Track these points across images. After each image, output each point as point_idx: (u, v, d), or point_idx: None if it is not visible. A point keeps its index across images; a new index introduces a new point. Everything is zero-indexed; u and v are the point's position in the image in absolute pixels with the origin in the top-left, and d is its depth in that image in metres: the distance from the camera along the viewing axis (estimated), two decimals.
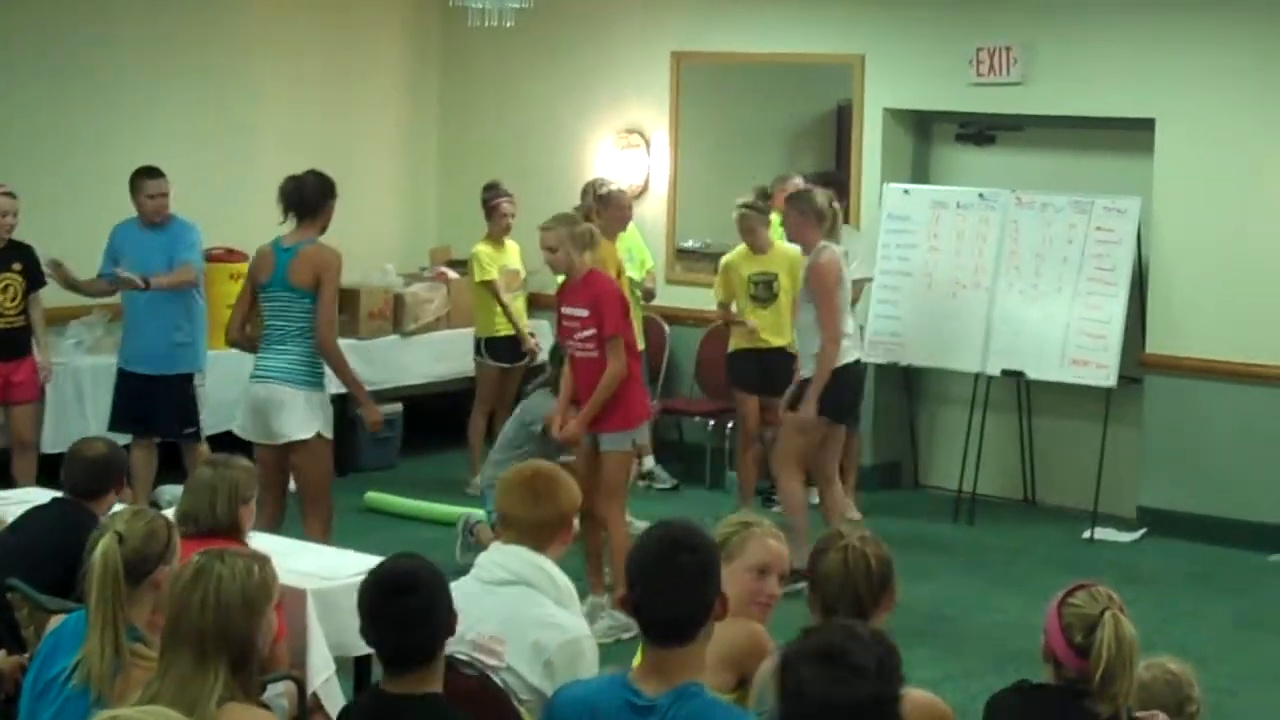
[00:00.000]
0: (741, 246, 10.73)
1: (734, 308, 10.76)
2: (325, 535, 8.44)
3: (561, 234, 8.78)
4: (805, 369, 9.58)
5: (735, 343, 10.85)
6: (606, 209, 10.93)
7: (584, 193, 11.42)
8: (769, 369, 10.58)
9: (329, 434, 8.68)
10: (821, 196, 9.57)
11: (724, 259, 10.85)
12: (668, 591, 4.02)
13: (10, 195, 9.91)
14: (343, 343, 8.96)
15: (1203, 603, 9.63)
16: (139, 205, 9.98)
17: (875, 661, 3.35)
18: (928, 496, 11.84)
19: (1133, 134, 10.97)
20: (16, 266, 9.85)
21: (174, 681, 4.08)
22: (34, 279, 9.91)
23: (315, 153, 11.50)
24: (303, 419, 8.56)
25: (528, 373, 11.38)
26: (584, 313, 8.74)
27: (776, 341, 10.64)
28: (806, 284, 9.47)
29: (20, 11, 11.18)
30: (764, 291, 10.66)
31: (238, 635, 4.13)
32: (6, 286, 9.87)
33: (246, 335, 8.78)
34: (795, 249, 10.03)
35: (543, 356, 11.10)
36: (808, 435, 9.53)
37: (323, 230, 8.65)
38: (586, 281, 8.76)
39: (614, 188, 11.27)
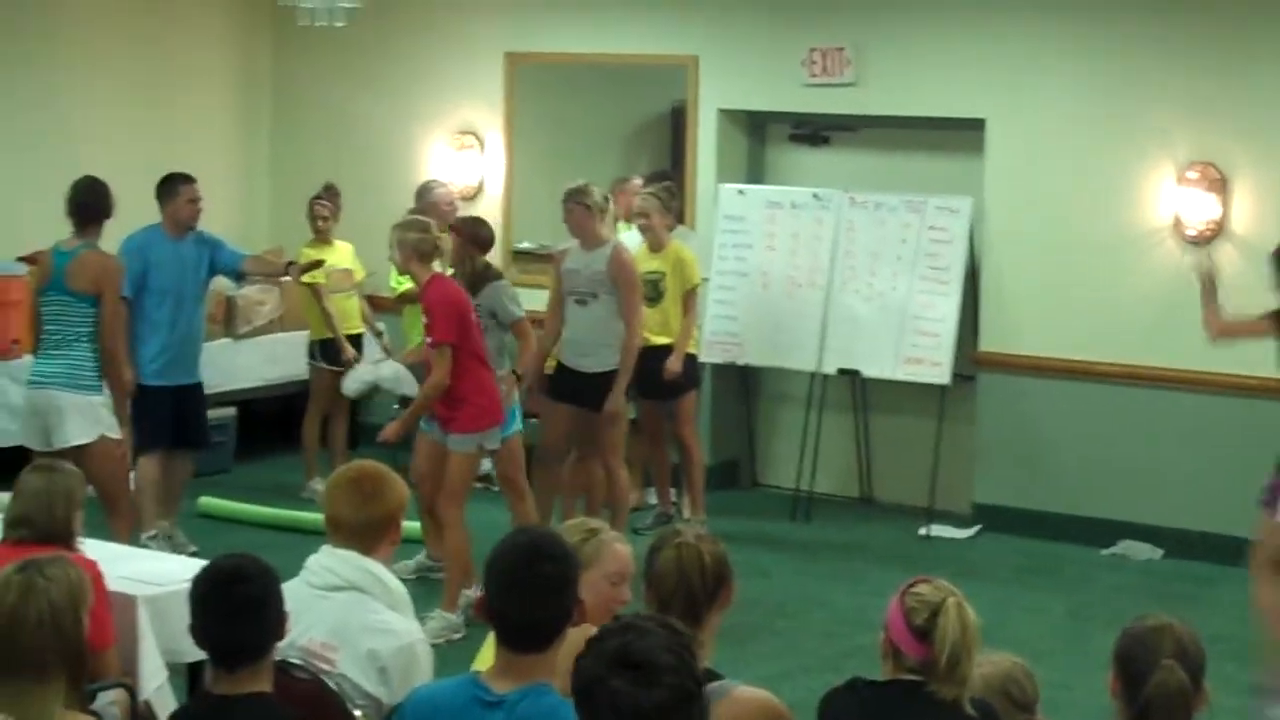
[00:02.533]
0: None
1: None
2: (129, 535, 8.58)
3: (404, 240, 8.79)
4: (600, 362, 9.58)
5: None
6: (420, 206, 10.88)
7: (419, 194, 11.36)
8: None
9: (115, 435, 8.77)
10: (598, 191, 9.59)
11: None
12: (529, 599, 4.01)
13: None
14: None
15: (1037, 597, 9.74)
16: (178, 211, 9.70)
17: (675, 658, 3.35)
18: (765, 495, 11.88)
19: (964, 134, 11.06)
20: None
21: (8, 699, 4.04)
22: None
23: (143, 154, 11.37)
24: (83, 424, 8.64)
25: None
26: (427, 320, 8.79)
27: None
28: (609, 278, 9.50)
29: None
30: (651, 290, 10.51)
31: (73, 643, 4.14)
32: None
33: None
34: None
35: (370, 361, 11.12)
36: (619, 425, 9.67)
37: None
38: (426, 288, 8.76)
39: (430, 183, 11.37)
